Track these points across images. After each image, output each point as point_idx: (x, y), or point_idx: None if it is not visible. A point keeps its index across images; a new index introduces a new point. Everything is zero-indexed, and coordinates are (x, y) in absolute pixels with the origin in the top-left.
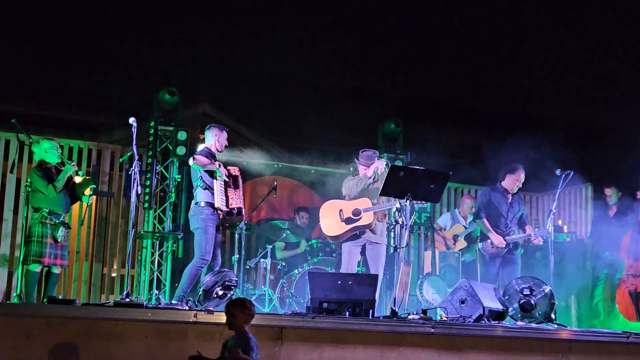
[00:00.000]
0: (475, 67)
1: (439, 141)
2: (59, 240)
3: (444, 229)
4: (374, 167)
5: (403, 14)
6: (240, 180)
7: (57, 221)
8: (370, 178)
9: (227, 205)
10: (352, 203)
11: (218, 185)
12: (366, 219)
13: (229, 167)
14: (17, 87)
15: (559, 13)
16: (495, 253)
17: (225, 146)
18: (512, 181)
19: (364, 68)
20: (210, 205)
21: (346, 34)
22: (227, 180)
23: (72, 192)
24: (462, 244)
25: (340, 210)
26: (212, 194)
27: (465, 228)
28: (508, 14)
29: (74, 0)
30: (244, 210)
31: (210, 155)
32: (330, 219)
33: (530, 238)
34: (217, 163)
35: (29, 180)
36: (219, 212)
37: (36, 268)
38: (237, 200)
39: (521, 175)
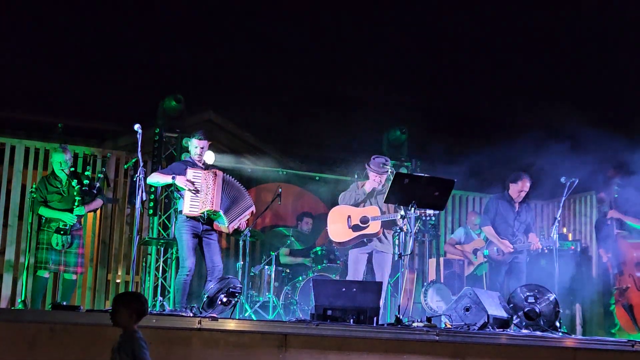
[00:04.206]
0: (480, 75)
1: (444, 148)
2: (57, 247)
3: (460, 243)
4: (373, 184)
5: (403, 20)
6: (212, 183)
7: (58, 227)
8: (365, 194)
9: (196, 210)
10: (361, 210)
11: (187, 192)
12: (374, 227)
13: (195, 173)
14: (23, 94)
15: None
16: (501, 260)
17: (199, 154)
18: (516, 190)
19: (369, 75)
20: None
21: (351, 42)
22: (191, 186)
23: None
24: (482, 258)
25: (349, 217)
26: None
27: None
28: (511, 21)
29: (79, 7)
30: (225, 214)
31: (188, 164)
32: (338, 225)
33: (531, 247)
34: (169, 176)
35: (34, 185)
36: (195, 219)
37: (44, 274)
38: (206, 204)
39: (525, 184)
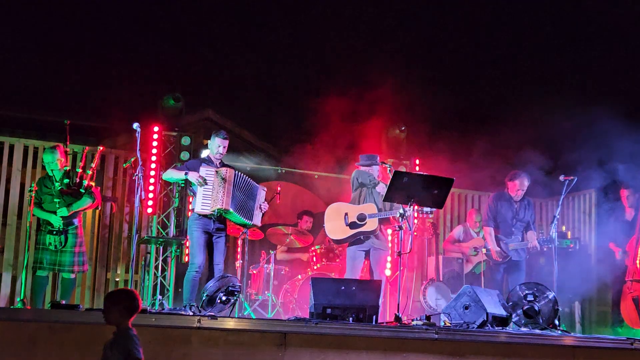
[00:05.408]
0: (480, 73)
1: (443, 146)
2: (50, 247)
3: (459, 241)
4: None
5: (402, 16)
6: (223, 182)
7: (50, 228)
8: (375, 179)
9: (208, 209)
10: (358, 208)
11: (199, 190)
12: (371, 224)
13: (208, 170)
14: (21, 92)
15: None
16: (499, 260)
17: (221, 153)
18: (513, 188)
19: (367, 73)
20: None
21: (348, 39)
22: (202, 181)
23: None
24: (481, 257)
25: (346, 214)
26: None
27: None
28: (511, 16)
29: (79, 6)
30: (237, 212)
31: (204, 162)
32: (335, 223)
33: (528, 245)
34: (183, 172)
35: (33, 184)
36: (207, 217)
37: (42, 273)
38: (217, 202)
39: (523, 183)
